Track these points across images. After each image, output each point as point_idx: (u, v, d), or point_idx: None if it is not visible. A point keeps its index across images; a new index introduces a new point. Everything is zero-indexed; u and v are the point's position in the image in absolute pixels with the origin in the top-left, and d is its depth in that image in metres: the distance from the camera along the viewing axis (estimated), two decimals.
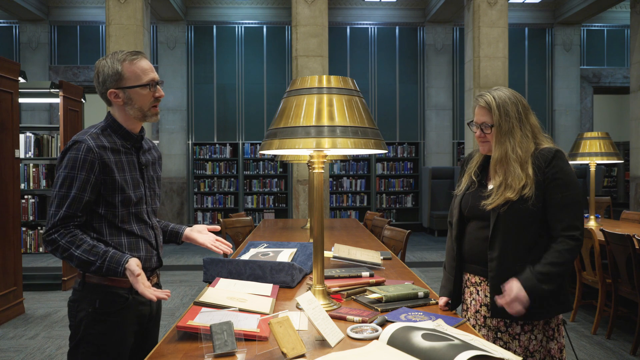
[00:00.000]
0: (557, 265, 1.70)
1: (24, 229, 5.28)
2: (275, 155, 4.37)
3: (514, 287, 1.68)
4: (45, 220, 1.67)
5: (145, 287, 1.55)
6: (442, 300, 1.86)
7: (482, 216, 1.82)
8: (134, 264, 1.57)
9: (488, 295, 1.84)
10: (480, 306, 1.87)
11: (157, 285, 1.86)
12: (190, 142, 10.04)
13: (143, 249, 1.74)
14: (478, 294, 1.88)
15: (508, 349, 1.79)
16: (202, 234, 1.96)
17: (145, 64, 1.68)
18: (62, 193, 1.60)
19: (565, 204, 1.73)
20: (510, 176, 1.75)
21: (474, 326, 1.89)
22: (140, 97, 1.67)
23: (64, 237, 1.58)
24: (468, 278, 1.93)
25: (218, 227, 2.01)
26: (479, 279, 1.88)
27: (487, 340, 1.69)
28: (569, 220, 1.73)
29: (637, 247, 3.35)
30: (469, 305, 1.93)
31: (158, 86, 1.71)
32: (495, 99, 1.80)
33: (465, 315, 1.95)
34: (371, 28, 10.37)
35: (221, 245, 1.93)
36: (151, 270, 1.79)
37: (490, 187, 1.84)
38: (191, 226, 2.00)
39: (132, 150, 1.74)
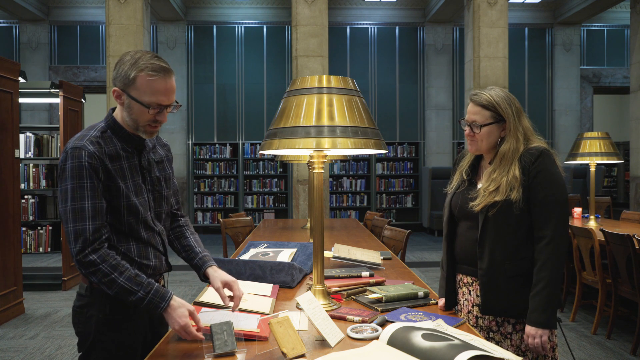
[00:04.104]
0: (547, 287, 1.69)
1: (24, 229, 5.28)
2: (275, 155, 4.36)
3: (527, 332, 1.72)
4: (68, 238, 1.56)
5: (188, 327, 1.45)
6: (442, 302, 1.87)
7: (471, 217, 1.82)
8: (184, 307, 1.47)
9: (479, 295, 1.84)
10: (472, 306, 1.88)
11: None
12: (190, 142, 10.04)
13: (152, 257, 1.67)
14: (470, 294, 1.89)
15: None
16: (218, 289, 1.65)
17: (161, 85, 1.58)
18: (77, 206, 1.49)
19: (548, 203, 1.72)
20: (505, 177, 1.74)
21: None
22: (138, 111, 1.56)
23: (105, 261, 1.48)
24: (461, 279, 1.93)
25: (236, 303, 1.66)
26: (471, 279, 1.88)
27: None
28: (550, 225, 1.71)
29: (637, 247, 3.35)
30: (462, 306, 1.93)
31: (165, 111, 1.60)
32: (493, 97, 1.79)
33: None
34: (371, 28, 10.37)
35: (229, 303, 1.64)
36: (159, 274, 1.75)
37: (479, 186, 1.84)
38: (214, 263, 1.75)
39: (134, 154, 1.64)
